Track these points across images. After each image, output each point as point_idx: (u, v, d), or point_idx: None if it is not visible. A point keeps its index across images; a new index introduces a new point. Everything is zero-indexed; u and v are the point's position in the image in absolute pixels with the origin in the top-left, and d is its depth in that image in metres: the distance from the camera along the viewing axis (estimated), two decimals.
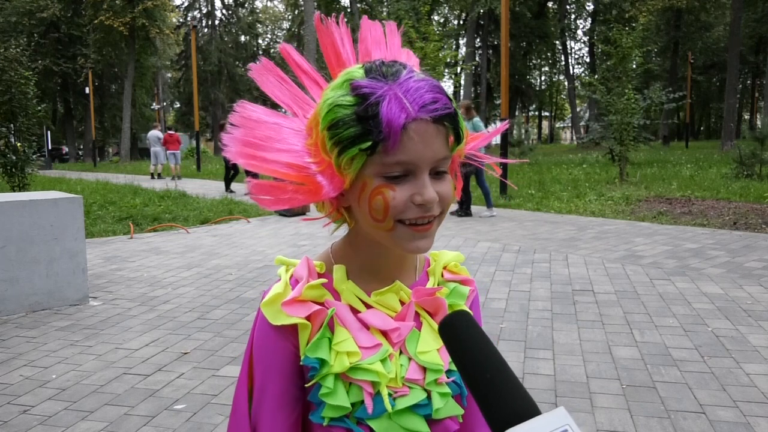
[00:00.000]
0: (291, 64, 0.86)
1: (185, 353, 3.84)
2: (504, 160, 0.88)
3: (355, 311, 0.81)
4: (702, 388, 3.13)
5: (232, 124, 0.78)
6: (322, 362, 0.78)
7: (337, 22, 0.84)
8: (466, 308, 0.86)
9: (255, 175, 0.81)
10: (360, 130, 0.69)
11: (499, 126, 0.89)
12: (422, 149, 0.70)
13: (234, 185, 14.93)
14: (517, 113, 42.94)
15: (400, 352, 0.81)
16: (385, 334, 0.80)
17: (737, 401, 2.97)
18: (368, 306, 0.82)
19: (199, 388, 3.29)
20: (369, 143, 0.69)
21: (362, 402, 0.78)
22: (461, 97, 36.11)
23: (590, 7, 41.63)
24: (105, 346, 4.03)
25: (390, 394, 0.78)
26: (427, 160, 0.72)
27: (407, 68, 0.73)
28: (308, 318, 0.79)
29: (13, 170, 10.73)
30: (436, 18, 40.69)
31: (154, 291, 5.43)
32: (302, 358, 0.79)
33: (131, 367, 3.63)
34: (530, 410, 0.54)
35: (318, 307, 0.79)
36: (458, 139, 0.74)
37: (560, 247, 6.88)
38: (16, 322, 4.61)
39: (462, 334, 0.60)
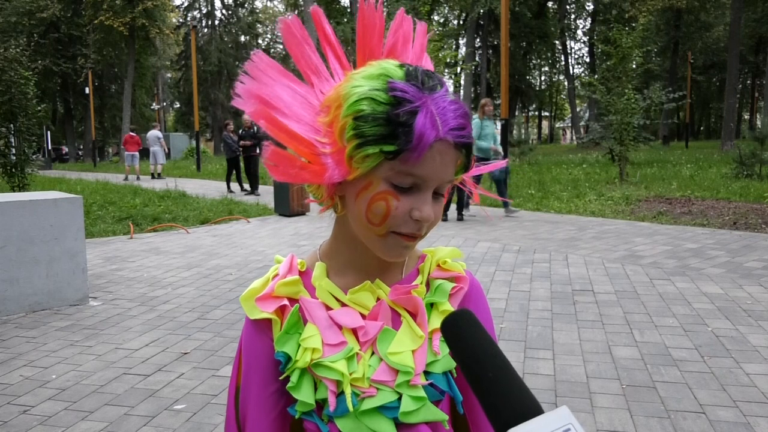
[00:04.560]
0: (319, 31, 0.81)
1: (185, 353, 3.84)
2: (486, 193, 0.88)
3: (329, 308, 0.81)
4: (702, 388, 3.13)
5: (246, 73, 0.74)
6: (288, 357, 0.79)
7: (375, 8, 0.79)
8: (449, 306, 0.84)
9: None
10: (387, 132, 0.68)
11: (496, 162, 0.88)
12: (437, 169, 0.71)
13: (233, 185, 14.93)
14: (517, 113, 42.92)
15: (373, 353, 0.80)
16: (354, 332, 0.80)
17: (737, 401, 2.97)
18: (344, 304, 0.81)
19: (199, 388, 3.29)
20: (393, 148, 0.68)
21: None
22: (461, 98, 36.00)
23: (590, 7, 41.67)
24: (105, 346, 4.03)
25: (357, 394, 0.77)
26: (437, 179, 0.72)
27: (443, 86, 0.72)
28: (278, 313, 0.80)
29: (13, 170, 10.73)
30: (436, 18, 40.66)
31: (154, 291, 5.43)
32: (275, 352, 0.81)
33: (131, 367, 3.63)
34: (533, 409, 0.53)
35: (285, 302, 0.81)
36: (466, 168, 0.76)
37: (560, 247, 6.88)
38: (16, 322, 4.61)
39: (464, 332, 0.60)
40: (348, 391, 0.77)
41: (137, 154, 20.06)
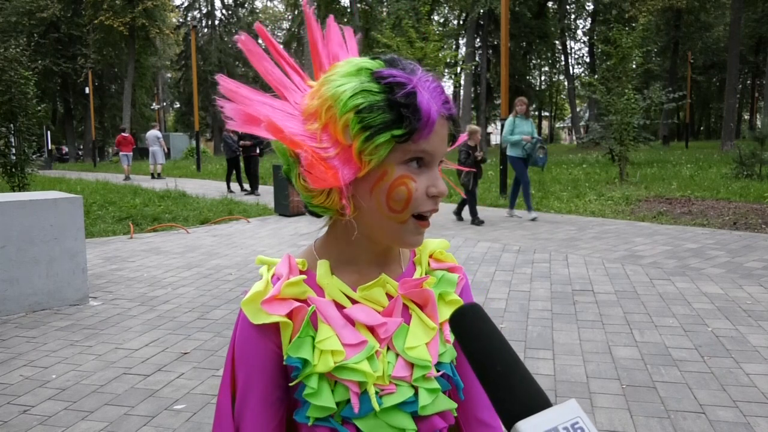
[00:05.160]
0: (269, 45, 0.82)
1: (185, 353, 3.84)
2: (462, 168, 0.91)
3: (340, 307, 0.79)
4: (702, 388, 3.13)
5: (222, 97, 0.74)
6: (305, 362, 0.76)
7: (318, 22, 0.84)
8: (458, 297, 0.85)
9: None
10: (393, 117, 0.70)
11: (460, 137, 0.87)
12: (440, 143, 0.75)
13: (233, 185, 14.92)
14: None
15: (388, 348, 0.79)
16: (371, 329, 0.78)
17: (737, 401, 2.97)
18: (354, 301, 0.80)
19: (199, 388, 3.29)
20: (402, 131, 0.70)
21: (348, 401, 0.76)
22: (461, 98, 36.12)
23: (590, 7, 41.61)
24: (105, 346, 4.03)
25: (377, 392, 0.76)
26: (441, 152, 0.76)
27: (419, 67, 0.75)
28: (289, 316, 0.77)
29: (13, 170, 10.74)
30: (436, 18, 40.65)
31: (154, 291, 5.43)
32: (285, 357, 0.77)
33: (131, 367, 3.63)
34: (541, 402, 0.53)
35: (298, 304, 0.78)
36: (453, 138, 0.79)
37: (560, 247, 6.88)
38: (16, 322, 4.61)
39: (472, 326, 0.60)
40: (371, 390, 0.76)
41: (131, 154, 20.13)
